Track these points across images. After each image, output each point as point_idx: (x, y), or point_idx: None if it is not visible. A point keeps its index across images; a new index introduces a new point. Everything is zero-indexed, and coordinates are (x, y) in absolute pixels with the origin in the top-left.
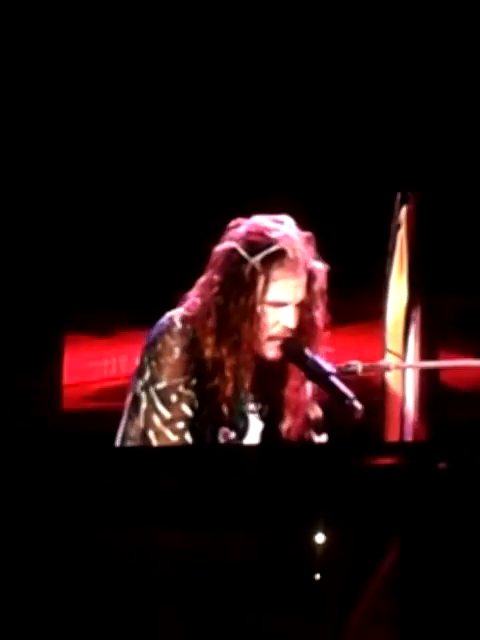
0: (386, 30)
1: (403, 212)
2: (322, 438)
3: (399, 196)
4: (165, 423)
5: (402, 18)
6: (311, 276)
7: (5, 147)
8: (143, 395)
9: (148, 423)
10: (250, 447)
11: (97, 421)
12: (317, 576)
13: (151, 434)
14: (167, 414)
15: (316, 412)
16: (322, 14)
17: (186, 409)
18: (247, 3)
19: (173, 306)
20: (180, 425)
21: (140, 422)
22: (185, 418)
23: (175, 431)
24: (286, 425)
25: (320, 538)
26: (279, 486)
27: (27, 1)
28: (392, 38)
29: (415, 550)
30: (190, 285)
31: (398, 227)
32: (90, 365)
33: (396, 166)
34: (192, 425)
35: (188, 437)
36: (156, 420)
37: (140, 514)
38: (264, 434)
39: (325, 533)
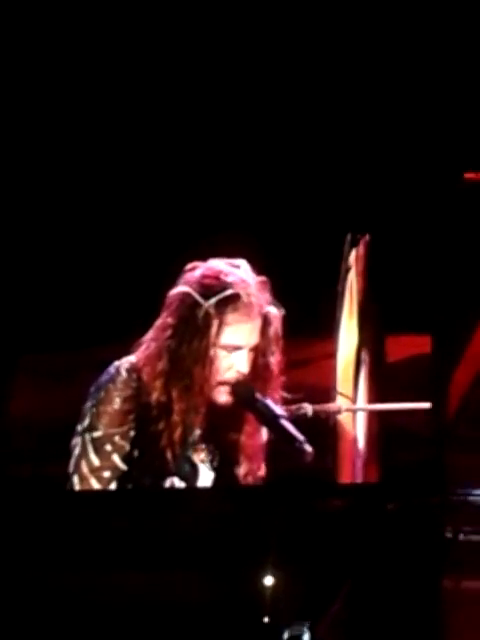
0: (338, 82)
1: (353, 254)
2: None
3: (349, 238)
4: (92, 471)
5: (359, 66)
6: (266, 320)
7: None
8: (79, 440)
9: (76, 468)
10: (201, 489)
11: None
12: (266, 619)
13: (75, 479)
14: (96, 462)
15: (261, 470)
16: (284, 51)
17: (117, 460)
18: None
19: (128, 349)
20: (106, 474)
21: (70, 466)
22: (114, 469)
23: (100, 479)
24: (243, 470)
25: (271, 579)
26: (230, 526)
27: (27, 1)
28: (343, 79)
29: (365, 592)
30: (149, 327)
31: (348, 269)
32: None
33: (346, 207)
34: (129, 475)
35: (113, 487)
36: (84, 467)
37: (92, 556)
38: (215, 482)
39: (276, 574)
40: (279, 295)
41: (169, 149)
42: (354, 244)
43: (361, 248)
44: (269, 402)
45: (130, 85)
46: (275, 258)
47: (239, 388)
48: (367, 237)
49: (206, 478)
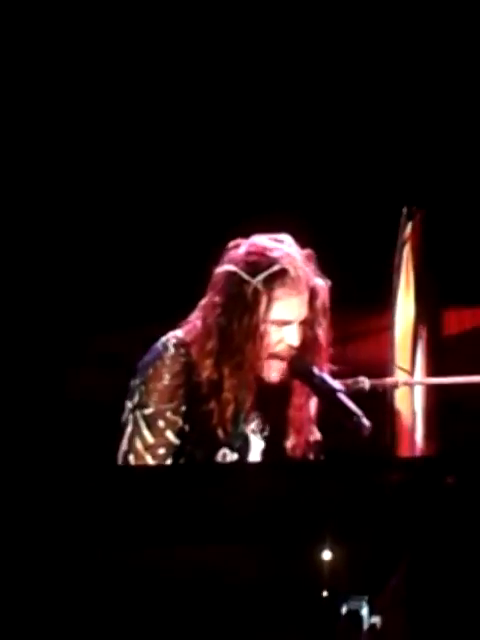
0: (391, 45)
1: (409, 228)
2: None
3: (405, 211)
4: (146, 448)
5: (408, 34)
6: (313, 293)
7: None
8: (130, 418)
9: (130, 446)
10: (257, 464)
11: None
12: (325, 593)
13: (131, 457)
14: (150, 439)
15: (315, 435)
16: (327, 26)
17: (171, 436)
18: (252, 19)
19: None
20: (161, 451)
21: (123, 444)
22: (168, 445)
23: (155, 456)
24: (290, 443)
25: (328, 555)
26: (287, 502)
27: (27, 1)
28: (399, 53)
29: (424, 566)
30: (193, 307)
31: (404, 243)
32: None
33: (402, 181)
34: (181, 449)
35: (168, 463)
36: (138, 444)
37: (145, 532)
38: (266, 453)
39: (333, 550)
40: (334, 269)
41: (215, 128)
42: (410, 217)
43: (417, 221)
44: (326, 376)
45: (174, 68)
46: (331, 231)
47: (296, 363)
48: (424, 210)
49: (258, 449)
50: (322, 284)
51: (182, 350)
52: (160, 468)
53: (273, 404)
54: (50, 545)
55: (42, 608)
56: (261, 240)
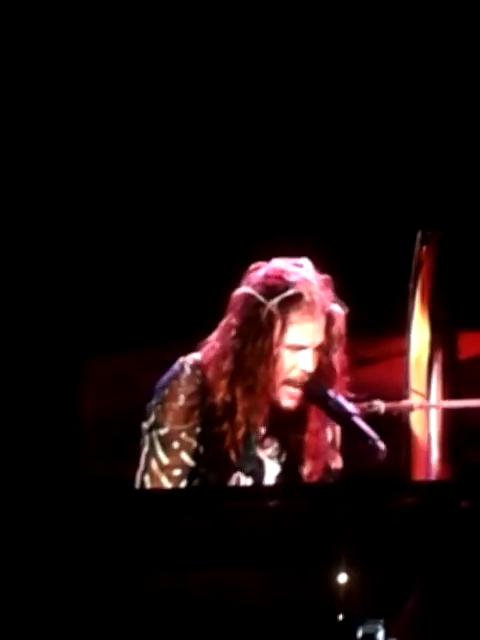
0: (406, 67)
1: (424, 251)
2: None
3: (420, 235)
4: (162, 468)
5: (424, 60)
6: (329, 319)
7: None
8: (146, 438)
9: (146, 467)
10: (272, 487)
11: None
12: (340, 616)
13: (146, 478)
14: (165, 460)
15: (337, 462)
16: (345, 54)
17: (186, 457)
18: (270, 38)
19: (193, 349)
20: (176, 472)
21: (140, 465)
22: (183, 466)
23: (171, 477)
24: (307, 469)
25: (344, 578)
26: (303, 525)
27: (27, 1)
28: (414, 75)
29: (439, 589)
30: (213, 329)
31: (419, 267)
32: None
33: (417, 205)
34: (196, 471)
35: (183, 485)
36: (153, 465)
37: (163, 555)
38: (280, 478)
39: (349, 573)
40: (349, 293)
41: (235, 151)
42: (425, 242)
43: (432, 245)
44: (341, 400)
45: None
46: (346, 256)
47: (311, 386)
48: (439, 234)
49: (272, 473)
50: (339, 311)
51: (198, 371)
52: (173, 491)
53: (289, 430)
54: (62, 566)
55: (60, 630)
56: (280, 264)
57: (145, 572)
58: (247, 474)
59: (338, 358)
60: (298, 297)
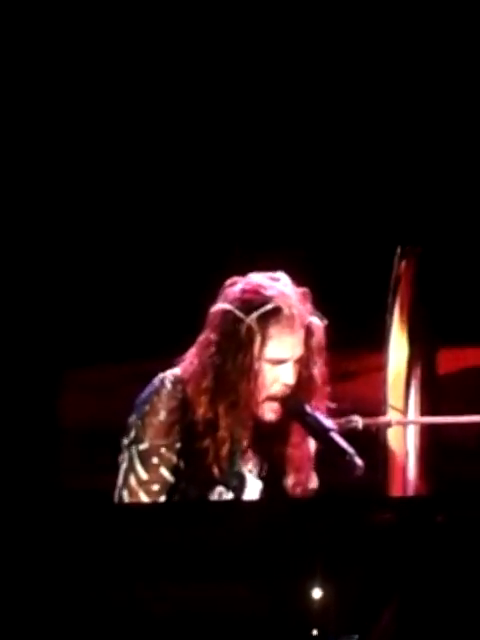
0: (385, 84)
1: (403, 266)
2: None
3: (399, 250)
4: (140, 484)
5: (402, 66)
6: (308, 332)
7: None
8: (125, 454)
9: (124, 482)
10: (250, 502)
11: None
12: (315, 631)
13: (125, 493)
14: (144, 475)
15: (314, 482)
16: (324, 62)
17: (165, 473)
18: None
19: (171, 363)
20: (155, 487)
21: (118, 480)
22: (162, 482)
23: (149, 493)
24: (291, 481)
25: (319, 593)
26: (279, 540)
27: (27, 1)
28: (393, 86)
29: (415, 605)
30: (192, 343)
31: (398, 281)
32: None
33: (396, 221)
34: (176, 486)
35: (161, 500)
36: (132, 480)
37: (138, 569)
38: (263, 493)
39: (324, 588)
40: (328, 307)
41: (209, 166)
42: (404, 256)
43: (411, 260)
44: (319, 415)
45: (158, 97)
46: (324, 270)
47: (289, 402)
48: (418, 249)
49: (254, 488)
50: (318, 323)
51: (179, 387)
52: (149, 506)
53: (271, 444)
54: (40, 581)
55: None
56: (257, 278)
57: (124, 585)
58: (229, 489)
59: (319, 370)
60: (277, 311)
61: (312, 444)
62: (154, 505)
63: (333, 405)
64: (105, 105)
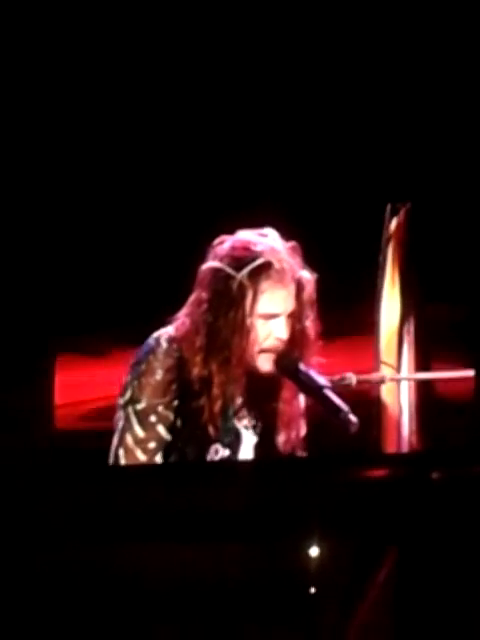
0: (375, 43)
1: (394, 223)
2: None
3: (389, 207)
4: (137, 442)
5: (391, 32)
6: (299, 285)
7: None
8: (122, 413)
9: (120, 441)
10: (245, 462)
11: (91, 440)
12: (313, 589)
13: (121, 452)
14: (141, 433)
15: (303, 430)
16: (311, 26)
17: (162, 431)
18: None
19: (164, 325)
20: (151, 445)
21: (114, 440)
22: (159, 439)
23: (145, 451)
24: (282, 438)
25: (316, 551)
26: (275, 499)
27: (27, 1)
28: (382, 50)
29: (412, 561)
30: (181, 304)
31: (389, 239)
32: (84, 384)
33: (386, 177)
34: (173, 445)
35: (158, 458)
36: (129, 439)
37: (135, 530)
38: (258, 448)
39: (321, 546)
40: (320, 264)
41: (195, 125)
42: (395, 213)
43: (402, 217)
44: (313, 372)
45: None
46: (315, 228)
47: (283, 360)
48: (408, 206)
49: (250, 444)
50: (308, 277)
51: (174, 345)
52: (144, 467)
53: (264, 400)
54: (36, 541)
55: (28, 605)
56: (245, 235)
57: (116, 547)
58: (225, 446)
59: (311, 324)
60: (267, 266)
61: (302, 401)
62: (148, 466)
63: (324, 361)
64: (82, 76)
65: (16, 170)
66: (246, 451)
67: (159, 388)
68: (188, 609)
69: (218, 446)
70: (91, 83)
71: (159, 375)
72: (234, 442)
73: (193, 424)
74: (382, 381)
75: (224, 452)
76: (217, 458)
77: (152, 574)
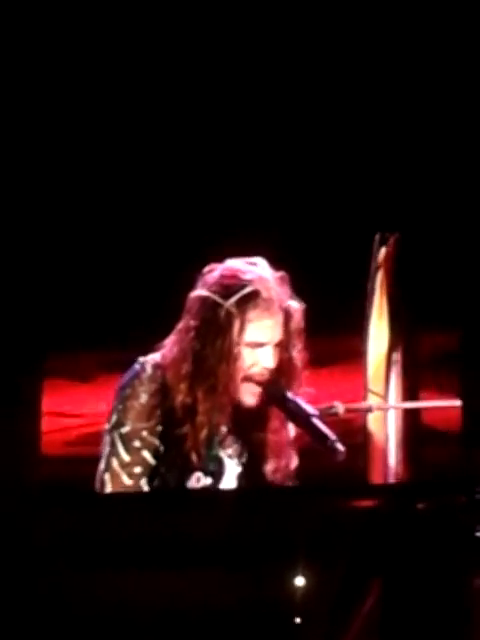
0: (365, 73)
1: (382, 253)
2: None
3: (378, 237)
4: (122, 466)
5: (380, 65)
6: (287, 315)
7: None
8: (108, 438)
9: (107, 465)
10: (231, 490)
11: (76, 466)
12: (298, 619)
13: (107, 477)
14: (126, 458)
15: (294, 460)
16: (299, 52)
17: (147, 455)
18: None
19: (152, 351)
20: (137, 470)
21: (101, 464)
22: (144, 464)
23: (131, 475)
24: (270, 467)
25: (301, 580)
26: (260, 528)
27: (27, 1)
28: (372, 81)
29: (397, 591)
30: (169, 331)
31: (377, 268)
32: (69, 410)
33: (375, 207)
34: (156, 471)
35: (143, 483)
36: (114, 463)
37: (118, 558)
38: (242, 478)
39: (306, 575)
40: (308, 294)
41: (188, 152)
42: (383, 243)
43: (390, 247)
44: (300, 401)
45: (146, 83)
46: (304, 257)
47: (270, 388)
48: (396, 236)
49: (233, 473)
50: (296, 306)
51: (159, 372)
52: (130, 494)
53: (251, 429)
54: (20, 567)
55: (13, 631)
56: (234, 263)
57: (100, 573)
58: (207, 474)
59: (298, 354)
60: (255, 295)
61: (292, 430)
62: (134, 494)
63: (312, 390)
64: (79, 77)
65: (9, 189)
66: (229, 480)
67: (143, 412)
68: (171, 636)
69: (200, 474)
70: (89, 102)
71: (143, 399)
72: (217, 471)
73: (176, 451)
74: (370, 410)
75: (206, 480)
76: (198, 486)
77: (135, 600)
